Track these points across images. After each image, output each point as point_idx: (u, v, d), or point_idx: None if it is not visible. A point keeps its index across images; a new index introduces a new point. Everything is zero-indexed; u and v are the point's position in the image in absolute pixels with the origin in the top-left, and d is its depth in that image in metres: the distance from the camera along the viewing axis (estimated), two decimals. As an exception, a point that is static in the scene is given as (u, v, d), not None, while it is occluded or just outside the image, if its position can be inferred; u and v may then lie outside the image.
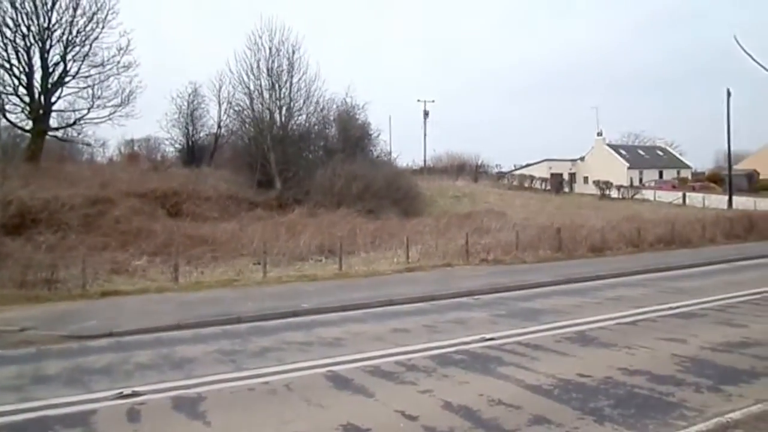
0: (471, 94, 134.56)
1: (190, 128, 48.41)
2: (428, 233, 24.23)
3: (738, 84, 72.80)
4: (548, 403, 6.47)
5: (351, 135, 35.54)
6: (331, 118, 36.92)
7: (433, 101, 60.18)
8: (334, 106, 37.58)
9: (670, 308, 11.82)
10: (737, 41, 2.72)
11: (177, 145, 50.00)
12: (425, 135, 58.52)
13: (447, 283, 15.29)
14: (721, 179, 54.08)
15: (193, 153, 46.70)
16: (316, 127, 35.72)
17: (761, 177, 55.75)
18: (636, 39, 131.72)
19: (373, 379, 7.51)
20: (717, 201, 45.84)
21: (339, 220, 24.66)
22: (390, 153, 43.06)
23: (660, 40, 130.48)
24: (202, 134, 49.33)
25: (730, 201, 44.59)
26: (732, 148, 47.12)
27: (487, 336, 9.63)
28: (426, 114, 58.53)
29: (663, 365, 7.82)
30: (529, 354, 8.60)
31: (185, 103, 47.93)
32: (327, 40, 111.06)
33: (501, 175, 60.57)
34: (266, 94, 35.20)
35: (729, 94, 44.89)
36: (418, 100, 60.27)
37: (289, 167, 33.42)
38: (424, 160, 58.13)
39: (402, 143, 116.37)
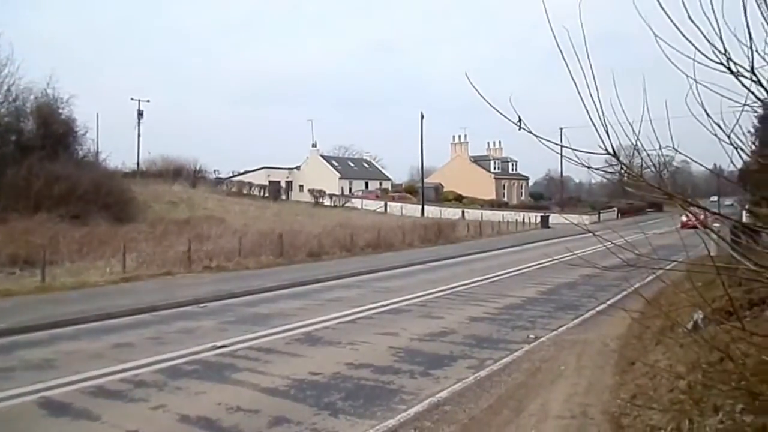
0: (190, 97, 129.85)
1: None
2: (144, 240, 22.72)
3: (430, 108, 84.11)
4: (285, 404, 6.71)
5: (53, 131, 30.88)
6: (28, 110, 31.67)
7: (148, 101, 55.94)
8: (32, 97, 32.29)
9: (383, 306, 13.18)
10: (467, 78, 3.30)
11: None
12: (139, 136, 54.18)
13: (169, 293, 14.57)
14: (416, 191, 61.91)
15: None
16: (6, 118, 30.23)
17: (445, 189, 65.33)
18: (352, 62, 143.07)
19: (96, 400, 6.82)
20: (412, 210, 52.41)
21: (37, 227, 21.36)
22: (98, 153, 38.73)
23: (371, 65, 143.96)
24: None
25: (422, 210, 51.40)
26: (424, 164, 54.51)
27: (218, 344, 9.51)
28: (140, 114, 54.34)
29: (382, 357, 8.74)
30: (262, 358, 8.77)
31: None
32: (23, 20, 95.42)
33: (220, 181, 59.59)
34: (-62, 73, 28.83)
35: (422, 117, 51.84)
36: (132, 99, 55.52)
37: (-32, 164, 27.69)
38: (138, 163, 53.81)
39: (112, 143, 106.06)
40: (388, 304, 13.35)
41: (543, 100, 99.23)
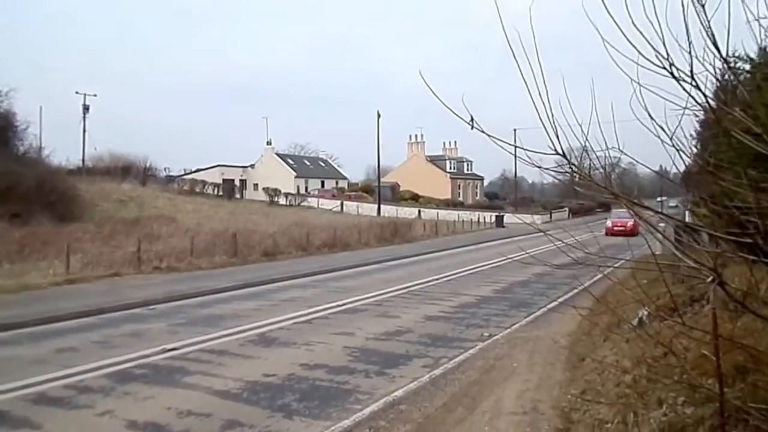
0: (139, 93, 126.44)
1: None
2: (91, 240, 22.07)
3: (387, 107, 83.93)
4: (238, 407, 6.60)
5: (-10, 126, 29.84)
6: (-39, 103, 30.41)
7: (95, 95, 54.12)
8: (-34, 89, 30.98)
9: (338, 305, 13.12)
10: (422, 76, 3.32)
11: None
12: (84, 131, 52.41)
13: (117, 294, 14.14)
14: (372, 190, 61.96)
15: None
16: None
17: (402, 189, 65.58)
18: (307, 60, 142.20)
19: (37, 408, 6.54)
20: (368, 209, 52.43)
21: (-30, 227, 20.50)
22: (41, 149, 37.35)
23: (327, 64, 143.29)
24: None
25: (379, 209, 51.46)
26: (381, 163, 54.58)
27: (169, 346, 9.27)
28: (86, 108, 52.56)
29: (337, 357, 8.69)
30: (215, 360, 8.59)
31: None
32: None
33: (171, 179, 58.20)
34: None
35: (379, 115, 51.84)
36: (77, 93, 53.59)
37: None
38: (83, 160, 52.05)
39: (56, 139, 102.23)
40: (343, 304, 13.29)
41: (498, 101, 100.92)
